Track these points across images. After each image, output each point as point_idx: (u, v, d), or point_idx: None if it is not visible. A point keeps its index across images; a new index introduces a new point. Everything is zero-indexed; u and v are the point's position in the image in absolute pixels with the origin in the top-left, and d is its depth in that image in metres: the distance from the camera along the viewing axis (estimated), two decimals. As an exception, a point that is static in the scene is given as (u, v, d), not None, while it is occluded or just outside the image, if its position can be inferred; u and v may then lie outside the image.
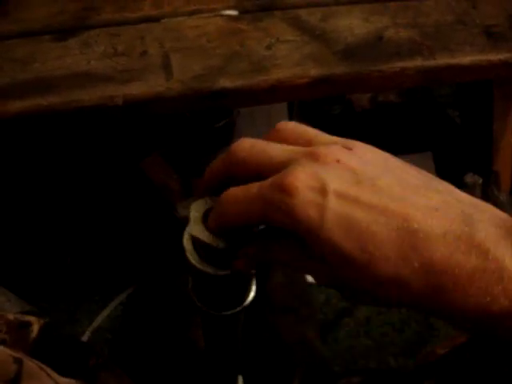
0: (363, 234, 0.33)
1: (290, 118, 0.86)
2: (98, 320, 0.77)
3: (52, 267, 0.80)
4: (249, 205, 0.36)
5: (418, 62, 0.59)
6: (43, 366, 0.43)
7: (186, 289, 0.44)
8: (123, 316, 0.78)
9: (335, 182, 0.34)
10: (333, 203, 0.33)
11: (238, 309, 0.45)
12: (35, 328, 0.51)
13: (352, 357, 0.75)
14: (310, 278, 0.72)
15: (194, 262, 0.41)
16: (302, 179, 0.34)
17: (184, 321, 0.72)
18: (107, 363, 0.53)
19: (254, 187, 0.36)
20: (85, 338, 0.76)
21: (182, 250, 0.42)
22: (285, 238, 0.36)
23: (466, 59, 0.59)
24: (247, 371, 0.59)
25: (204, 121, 0.82)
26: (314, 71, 0.58)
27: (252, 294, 0.45)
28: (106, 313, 0.78)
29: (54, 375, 0.43)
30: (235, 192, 0.37)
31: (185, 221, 0.47)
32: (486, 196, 0.79)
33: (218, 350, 0.51)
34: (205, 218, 0.42)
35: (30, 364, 0.41)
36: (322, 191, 0.33)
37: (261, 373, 0.69)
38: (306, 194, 0.33)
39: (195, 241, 0.42)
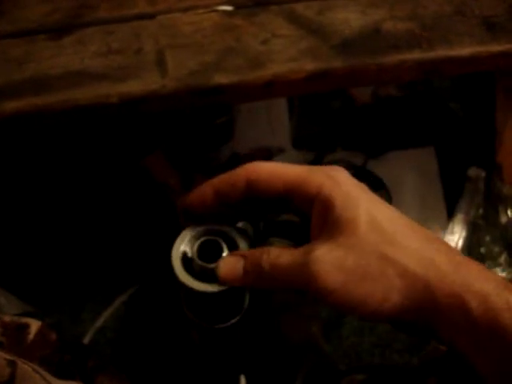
0: None
1: (290, 114, 0.85)
2: (101, 320, 0.77)
3: (54, 267, 0.80)
4: None
5: (417, 55, 0.58)
6: (38, 368, 0.43)
7: (179, 300, 0.44)
8: (126, 316, 0.77)
9: None
10: None
11: (232, 321, 0.44)
12: (33, 330, 0.50)
13: (356, 354, 0.74)
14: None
15: (183, 280, 0.41)
16: None
17: (187, 320, 0.71)
18: (106, 365, 0.53)
19: None
20: (88, 338, 0.76)
21: (171, 268, 0.41)
22: None
23: (465, 51, 0.59)
24: (250, 370, 0.59)
25: (204, 117, 0.81)
26: (311, 66, 0.57)
27: (245, 307, 0.44)
28: (109, 312, 0.78)
29: (50, 378, 0.42)
30: None
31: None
32: (490, 189, 0.78)
33: (216, 359, 0.51)
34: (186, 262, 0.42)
35: (25, 367, 0.41)
36: None
37: (263, 371, 0.69)
38: None
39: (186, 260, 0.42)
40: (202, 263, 0.41)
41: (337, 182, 0.40)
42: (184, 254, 0.43)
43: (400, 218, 0.40)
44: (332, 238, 0.39)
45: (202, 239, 0.43)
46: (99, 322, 0.77)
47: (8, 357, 0.41)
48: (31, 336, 0.50)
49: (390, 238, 0.39)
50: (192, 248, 0.43)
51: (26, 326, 0.50)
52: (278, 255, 0.40)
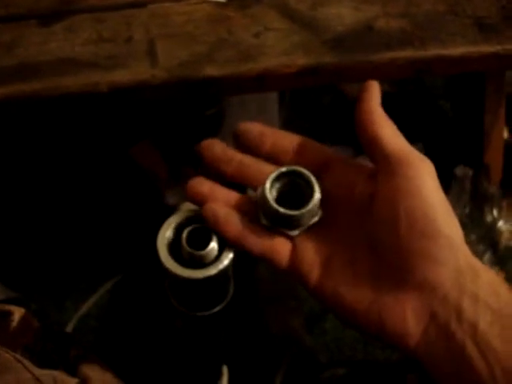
0: None
1: (281, 107, 0.85)
2: (85, 308, 0.77)
3: (39, 255, 0.79)
4: None
5: (408, 53, 0.58)
6: (20, 358, 0.42)
7: (164, 287, 0.44)
8: (110, 304, 0.77)
9: None
10: None
11: (216, 310, 0.44)
12: (16, 317, 0.50)
13: (339, 348, 0.75)
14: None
15: (169, 266, 0.41)
16: None
17: (170, 309, 0.71)
18: (89, 354, 0.52)
19: None
20: (71, 326, 0.76)
21: (156, 254, 0.41)
22: None
23: (457, 51, 0.58)
24: (232, 361, 0.59)
25: (194, 109, 0.81)
26: (302, 60, 0.57)
27: (229, 296, 0.44)
28: (92, 301, 0.78)
29: (32, 367, 0.42)
30: None
31: (173, 209, 0.46)
32: (476, 188, 0.78)
33: (199, 349, 0.51)
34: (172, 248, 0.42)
35: (6, 356, 0.41)
36: None
37: (246, 363, 0.69)
38: None
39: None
40: (192, 250, 0.41)
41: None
42: (169, 241, 0.43)
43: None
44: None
45: (192, 227, 0.43)
46: (83, 310, 0.77)
47: (-10, 346, 0.41)
48: (14, 323, 0.49)
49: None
50: (180, 235, 0.42)
51: (10, 314, 0.50)
52: None
